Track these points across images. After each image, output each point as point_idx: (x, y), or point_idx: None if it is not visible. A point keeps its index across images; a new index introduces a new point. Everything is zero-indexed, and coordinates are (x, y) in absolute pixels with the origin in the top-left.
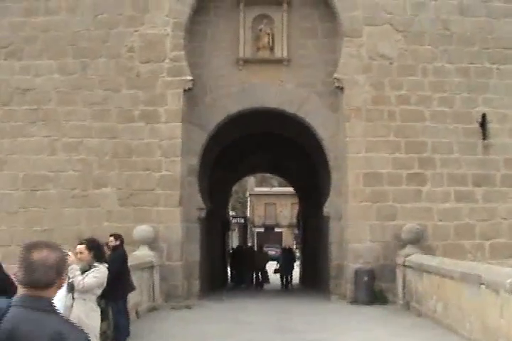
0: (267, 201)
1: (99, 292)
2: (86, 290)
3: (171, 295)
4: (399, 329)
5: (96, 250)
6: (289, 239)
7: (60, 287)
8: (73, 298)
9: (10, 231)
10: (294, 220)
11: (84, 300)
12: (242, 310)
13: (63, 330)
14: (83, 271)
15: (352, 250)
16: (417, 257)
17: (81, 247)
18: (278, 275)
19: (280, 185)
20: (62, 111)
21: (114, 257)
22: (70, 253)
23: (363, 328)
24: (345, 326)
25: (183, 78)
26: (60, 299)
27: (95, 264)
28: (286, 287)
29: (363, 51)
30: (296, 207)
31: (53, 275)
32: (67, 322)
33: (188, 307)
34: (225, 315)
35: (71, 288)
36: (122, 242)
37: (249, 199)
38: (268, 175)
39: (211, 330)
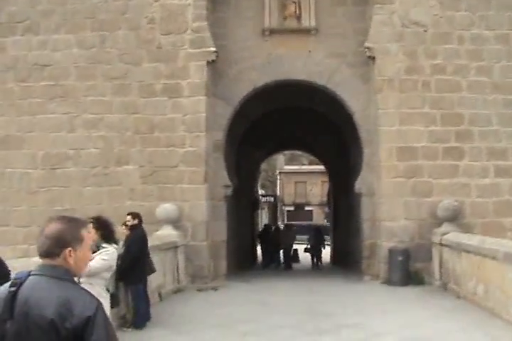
0: (296, 179)
1: (107, 276)
2: (92, 274)
3: (197, 277)
4: (438, 311)
5: (104, 229)
6: (319, 218)
7: (66, 257)
8: (79, 282)
9: (30, 211)
10: (325, 198)
11: (91, 284)
12: (271, 291)
13: (71, 297)
14: (92, 252)
15: (385, 228)
16: (454, 236)
17: (89, 226)
18: (308, 254)
19: (310, 163)
20: (81, 87)
21: (133, 237)
22: None
23: (400, 311)
24: (381, 308)
25: (206, 50)
26: None
27: (103, 245)
28: (317, 266)
29: (396, 18)
30: (327, 185)
31: (49, 245)
32: (78, 289)
33: (215, 288)
34: (252, 296)
35: None
36: (141, 221)
37: (278, 177)
38: (298, 152)
39: (237, 313)
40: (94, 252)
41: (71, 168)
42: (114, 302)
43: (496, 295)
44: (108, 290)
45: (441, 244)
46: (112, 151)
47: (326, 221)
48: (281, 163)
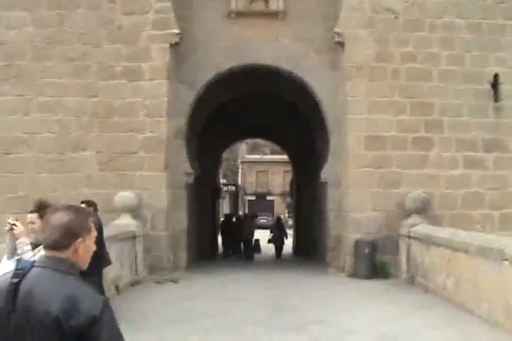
0: (258, 169)
1: None
2: None
3: (156, 268)
4: (407, 307)
5: None
6: (281, 208)
7: (76, 250)
8: None
9: None
10: (287, 188)
11: None
12: (234, 284)
13: (78, 293)
14: (36, 246)
15: (352, 219)
16: (423, 228)
17: (32, 216)
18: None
19: (272, 153)
20: (37, 68)
21: None
22: (17, 223)
23: (368, 306)
24: (348, 303)
25: (170, 31)
26: None
27: None
28: (279, 256)
29: (366, 3)
30: (289, 175)
31: (59, 236)
32: (84, 285)
33: (174, 280)
34: (214, 290)
35: None
36: (96, 210)
37: (240, 166)
38: (260, 142)
39: (199, 308)
40: (39, 245)
41: (25, 154)
42: None
43: (468, 290)
44: None
45: (409, 237)
46: (68, 136)
47: (287, 211)
48: (243, 152)
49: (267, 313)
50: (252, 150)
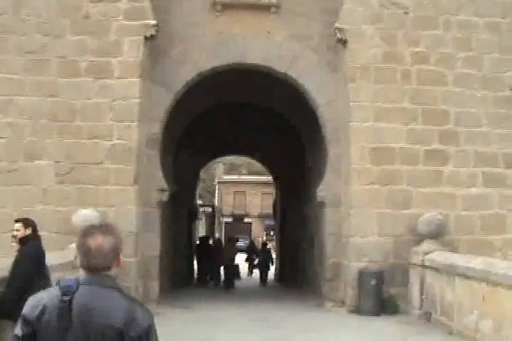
0: (236, 189)
1: None
2: None
3: None
4: None
5: None
6: (258, 230)
7: (118, 265)
8: None
9: None
10: (265, 210)
11: None
12: (216, 323)
13: (133, 307)
14: None
15: (354, 245)
16: (442, 256)
17: None
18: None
19: (250, 173)
20: None
21: (24, 254)
22: None
23: None
24: None
25: (144, 22)
26: None
27: None
28: (264, 284)
29: None
30: (268, 197)
31: (110, 259)
32: (132, 299)
33: None
34: (193, 331)
35: None
36: (35, 230)
37: (217, 187)
38: (237, 162)
39: None
40: None
41: None
42: None
43: None
44: None
45: (423, 266)
46: (21, 142)
47: (265, 234)
48: (220, 172)
49: None
50: (229, 170)
